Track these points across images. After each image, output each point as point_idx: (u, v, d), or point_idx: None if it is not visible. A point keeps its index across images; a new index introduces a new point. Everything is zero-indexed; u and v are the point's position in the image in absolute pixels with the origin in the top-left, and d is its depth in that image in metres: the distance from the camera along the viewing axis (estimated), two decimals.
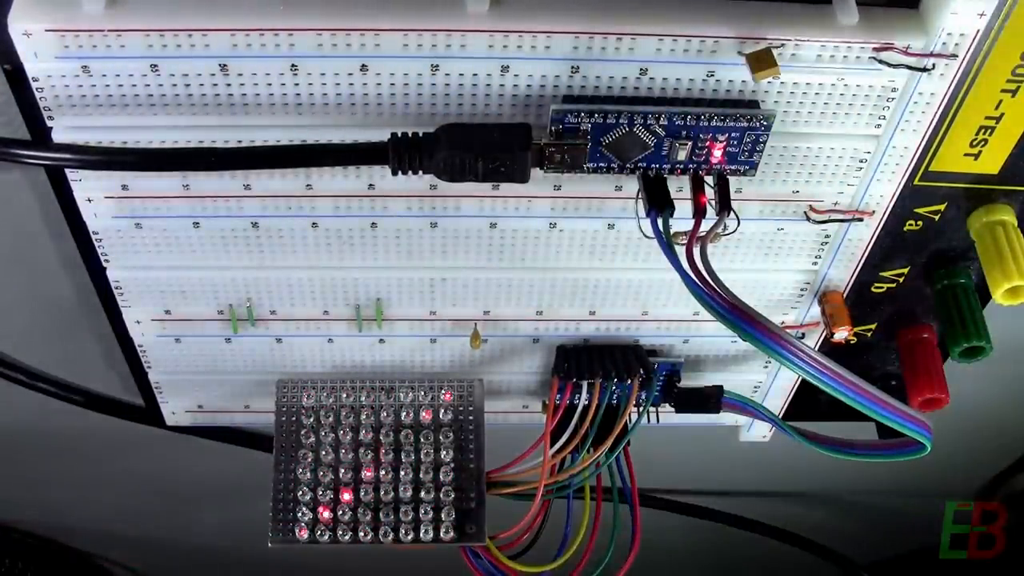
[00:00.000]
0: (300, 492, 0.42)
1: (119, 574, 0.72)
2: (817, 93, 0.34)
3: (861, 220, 0.38)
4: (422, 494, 0.42)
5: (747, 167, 0.35)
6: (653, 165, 0.34)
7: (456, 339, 0.43)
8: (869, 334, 0.44)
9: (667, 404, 0.46)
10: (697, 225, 0.35)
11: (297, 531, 0.42)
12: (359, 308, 0.41)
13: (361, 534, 0.42)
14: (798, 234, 0.39)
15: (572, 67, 0.32)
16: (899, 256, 0.41)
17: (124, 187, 0.36)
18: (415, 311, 0.42)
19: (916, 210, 0.38)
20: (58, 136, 0.33)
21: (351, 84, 0.33)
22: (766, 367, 0.47)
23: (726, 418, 0.48)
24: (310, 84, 0.32)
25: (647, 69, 0.33)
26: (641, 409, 0.43)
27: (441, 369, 0.45)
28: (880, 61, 0.32)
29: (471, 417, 0.43)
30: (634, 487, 0.43)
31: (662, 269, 0.36)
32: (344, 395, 0.43)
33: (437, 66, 0.32)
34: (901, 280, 0.42)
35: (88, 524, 0.65)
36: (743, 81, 0.33)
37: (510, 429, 0.46)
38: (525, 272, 0.40)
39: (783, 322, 0.43)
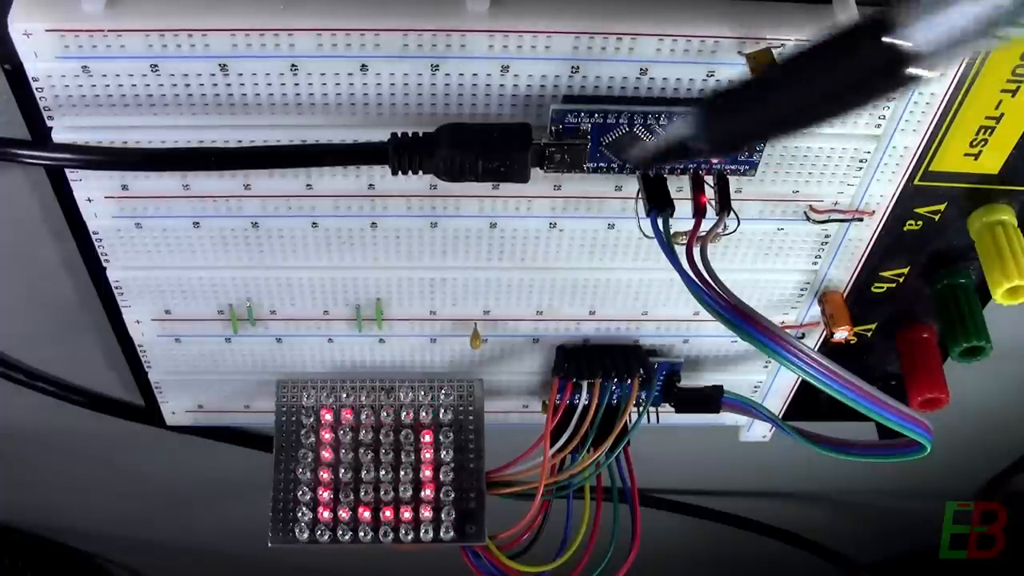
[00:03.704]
0: (300, 492, 0.42)
1: (119, 574, 0.72)
2: None
3: (861, 220, 0.38)
4: (422, 494, 0.42)
5: (747, 167, 0.35)
6: None
7: (456, 339, 0.43)
8: (869, 334, 0.44)
9: (667, 404, 0.46)
10: (697, 225, 0.35)
11: (297, 531, 0.42)
12: (359, 308, 0.41)
13: (361, 534, 0.42)
14: (798, 234, 0.39)
15: (572, 67, 0.32)
16: (899, 256, 0.41)
17: (124, 187, 0.36)
18: (415, 311, 0.42)
19: (916, 210, 0.38)
20: (58, 136, 0.33)
21: (351, 84, 0.33)
22: (766, 367, 0.47)
23: (726, 418, 0.48)
24: (310, 84, 0.32)
25: (647, 69, 0.33)
26: (641, 409, 0.43)
27: (441, 369, 0.45)
28: None
29: (471, 417, 0.43)
30: (634, 487, 0.43)
31: (662, 269, 0.36)
32: (344, 395, 0.43)
33: (437, 66, 0.32)
34: (901, 280, 0.42)
35: (88, 524, 0.65)
36: None
37: (510, 429, 0.46)
38: (525, 272, 0.40)
39: (783, 322, 0.43)
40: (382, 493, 0.42)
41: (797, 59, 0.24)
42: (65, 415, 0.50)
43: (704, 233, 0.34)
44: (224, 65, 0.32)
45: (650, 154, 0.30)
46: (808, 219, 0.38)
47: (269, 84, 0.32)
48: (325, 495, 0.42)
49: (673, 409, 0.46)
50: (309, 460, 0.42)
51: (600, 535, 0.42)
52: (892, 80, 0.22)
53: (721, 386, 0.45)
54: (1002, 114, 0.35)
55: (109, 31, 0.30)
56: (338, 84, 0.33)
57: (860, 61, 0.22)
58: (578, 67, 0.32)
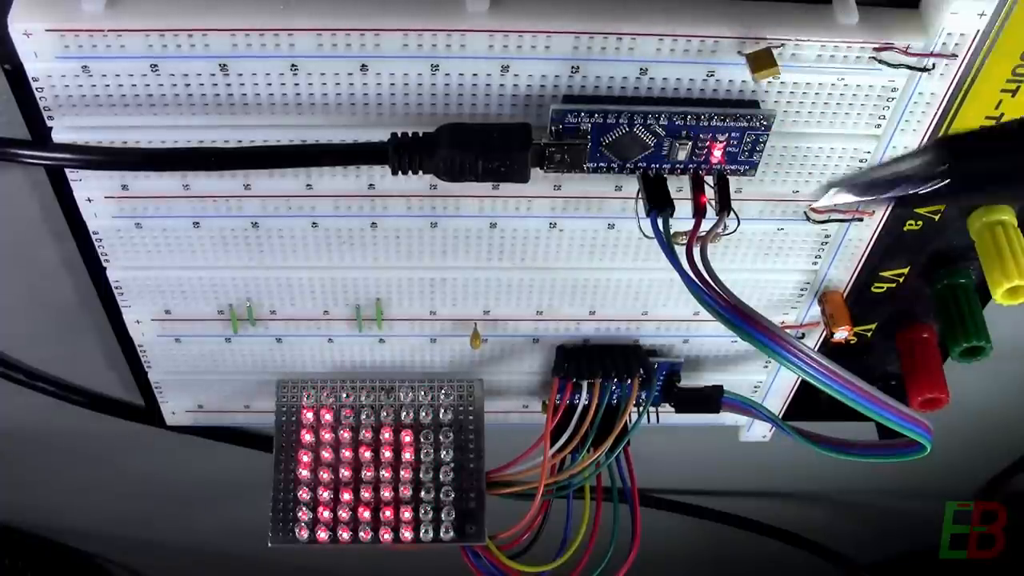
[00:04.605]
0: (300, 492, 0.42)
1: (119, 574, 0.72)
2: (817, 93, 0.34)
3: (861, 220, 0.38)
4: (422, 494, 0.42)
5: (747, 167, 0.35)
6: (653, 165, 0.34)
7: (456, 339, 0.43)
8: (869, 334, 0.44)
9: (667, 404, 0.46)
10: (697, 225, 0.35)
11: (297, 531, 0.42)
12: (359, 308, 0.41)
13: (361, 534, 0.42)
14: (798, 234, 0.39)
15: (572, 67, 0.32)
16: (899, 256, 0.41)
17: (124, 187, 0.36)
18: (415, 311, 0.42)
19: (916, 210, 0.38)
20: (58, 136, 0.33)
21: (351, 84, 0.33)
22: (766, 367, 0.47)
23: (726, 418, 0.48)
24: (310, 84, 0.32)
25: (647, 69, 0.33)
26: (641, 409, 0.43)
27: (441, 369, 0.45)
28: (880, 61, 0.32)
29: (471, 417, 0.43)
30: (634, 487, 0.43)
31: (662, 269, 0.36)
32: (344, 395, 0.43)
33: (437, 66, 0.32)
34: (901, 280, 0.42)
35: (88, 524, 0.65)
36: (743, 81, 0.33)
37: (510, 429, 0.46)
38: (525, 272, 0.40)
39: (783, 322, 0.43)
40: (382, 493, 0.42)
41: None
42: (65, 415, 0.50)
43: (704, 233, 0.34)
44: (224, 65, 0.32)
45: (886, 183, 0.30)
46: (808, 219, 0.38)
47: (269, 84, 0.32)
48: (325, 495, 0.42)
49: (673, 409, 0.46)
50: (309, 460, 0.42)
51: (600, 535, 0.42)
52: None
53: (721, 386, 0.45)
54: (1002, 114, 0.35)
55: (109, 31, 0.30)
56: (338, 84, 0.33)
57: None
58: (578, 67, 0.32)
